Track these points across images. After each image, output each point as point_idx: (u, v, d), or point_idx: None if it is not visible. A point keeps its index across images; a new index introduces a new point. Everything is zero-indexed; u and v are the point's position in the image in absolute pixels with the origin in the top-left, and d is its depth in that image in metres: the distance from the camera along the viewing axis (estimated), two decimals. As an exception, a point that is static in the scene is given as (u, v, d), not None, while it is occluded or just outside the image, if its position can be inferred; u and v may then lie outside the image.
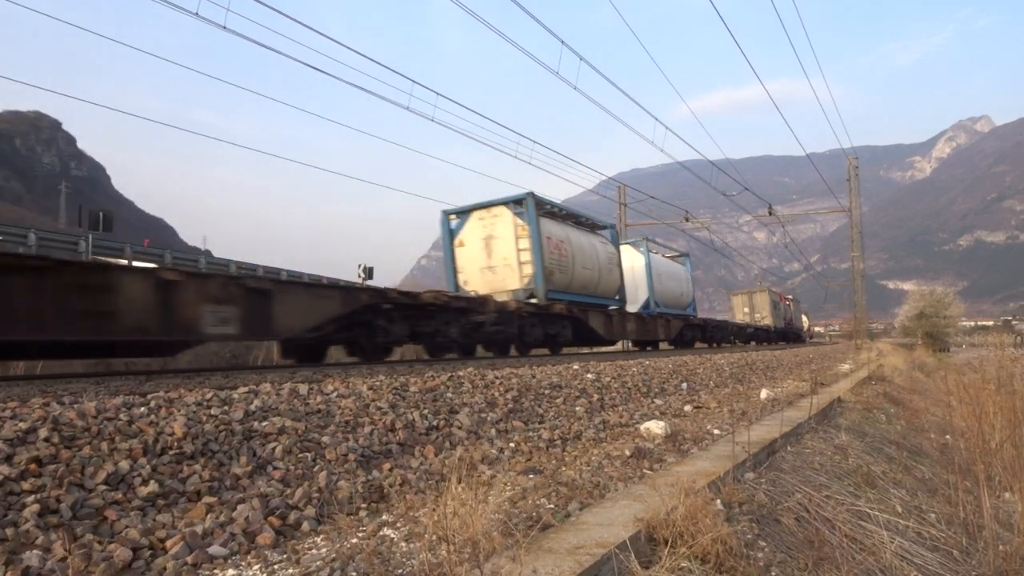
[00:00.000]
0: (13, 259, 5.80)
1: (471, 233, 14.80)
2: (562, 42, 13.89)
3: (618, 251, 18.91)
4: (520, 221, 14.11)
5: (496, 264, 14.52)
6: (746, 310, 42.40)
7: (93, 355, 7.73)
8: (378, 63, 13.06)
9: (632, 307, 19.97)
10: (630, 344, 22.81)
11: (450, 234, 15.11)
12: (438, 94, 13.97)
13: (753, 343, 34.70)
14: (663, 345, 22.37)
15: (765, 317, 41.83)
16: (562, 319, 14.57)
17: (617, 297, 18.16)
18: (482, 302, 12.09)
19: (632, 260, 21.45)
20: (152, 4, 9.36)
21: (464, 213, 14.97)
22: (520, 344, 13.55)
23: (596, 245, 17.36)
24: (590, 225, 17.86)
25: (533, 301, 13.83)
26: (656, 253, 23.56)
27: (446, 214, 15.16)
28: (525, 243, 14.05)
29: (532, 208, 13.91)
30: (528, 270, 14.05)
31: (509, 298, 13.40)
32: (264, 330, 7.79)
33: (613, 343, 20.27)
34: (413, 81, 13.25)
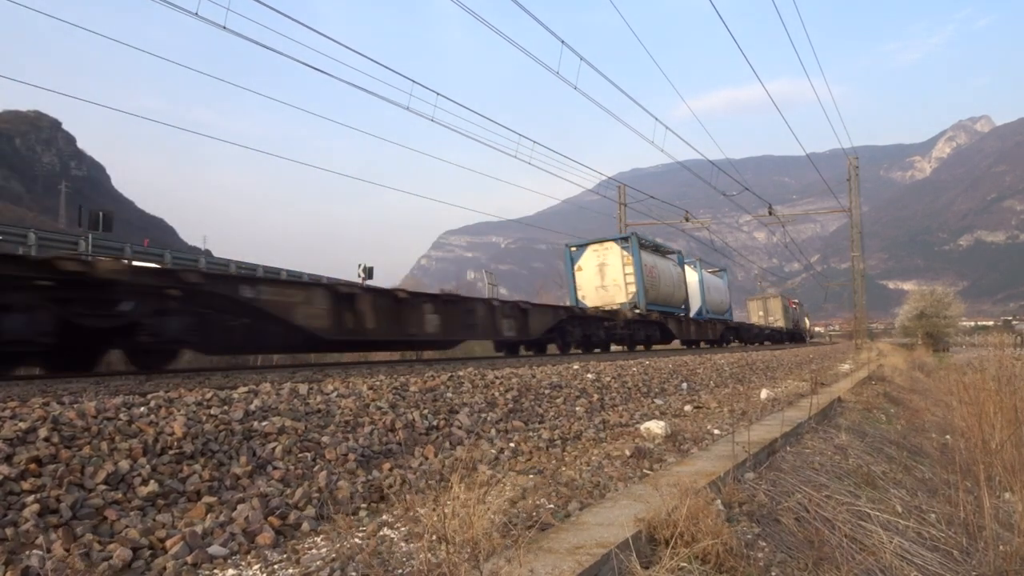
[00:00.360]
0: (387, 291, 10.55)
1: (587, 261, 20.74)
2: (562, 42, 13.89)
3: (683, 270, 24.67)
4: (625, 252, 20.08)
5: (608, 284, 20.29)
6: (760, 313, 47.66)
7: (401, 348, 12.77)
8: (378, 63, 13.06)
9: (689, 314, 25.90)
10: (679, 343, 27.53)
11: (571, 261, 20.99)
12: (438, 94, 13.98)
13: (768, 343, 39.57)
14: (677, 343, 26.28)
15: (778, 320, 47.16)
16: (654, 324, 20.68)
17: (683, 307, 24.01)
18: (615, 313, 18.78)
19: (689, 276, 26.29)
20: (152, 4, 9.36)
21: (581, 247, 20.99)
22: (630, 342, 19.38)
23: (671, 267, 23.11)
24: (665, 251, 23.69)
25: (637, 311, 19.53)
26: (702, 269, 28.91)
27: (568, 247, 21.29)
28: (630, 269, 19.88)
29: (635, 244, 20.01)
30: (632, 288, 19.83)
31: (620, 309, 19.37)
32: (525, 333, 13.88)
33: (683, 341, 25.69)
34: (413, 81, 13.26)
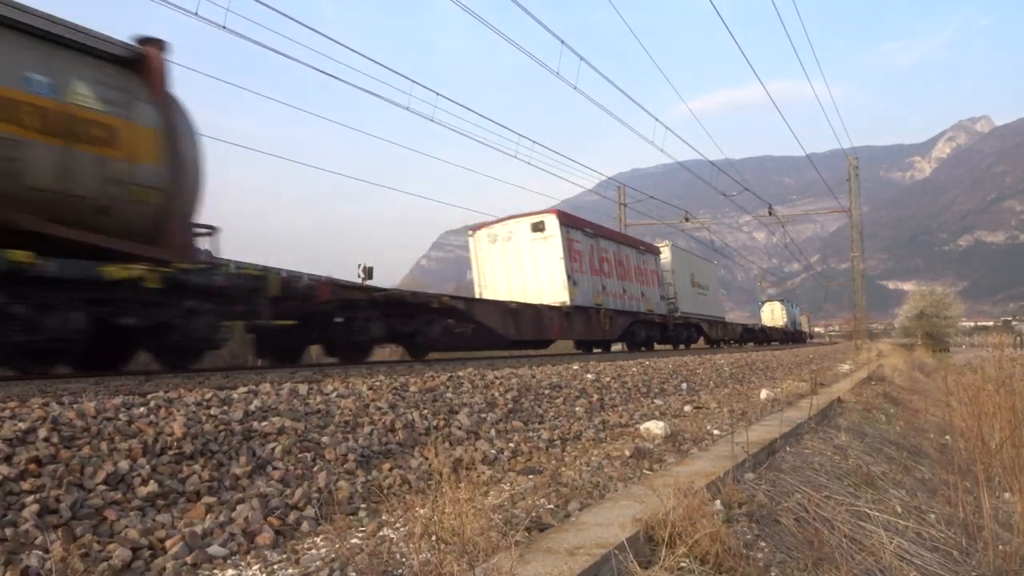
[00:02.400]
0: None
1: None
2: (562, 42, 13.89)
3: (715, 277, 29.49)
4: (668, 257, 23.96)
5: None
6: (773, 316, 52.55)
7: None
8: (378, 63, 13.06)
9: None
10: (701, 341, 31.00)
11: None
12: (438, 94, 13.99)
13: (776, 343, 43.13)
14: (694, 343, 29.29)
15: (781, 320, 51.64)
16: (693, 326, 25.34)
17: (716, 312, 28.08)
18: (666, 316, 22.35)
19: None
20: (152, 4, 9.35)
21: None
22: (684, 341, 24.57)
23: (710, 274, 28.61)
24: (706, 260, 28.67)
25: (680, 314, 23.52)
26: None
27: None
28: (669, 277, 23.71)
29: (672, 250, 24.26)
30: (671, 292, 23.58)
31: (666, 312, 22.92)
32: (611, 334, 18.70)
33: (716, 341, 29.33)
34: (413, 81, 13.26)
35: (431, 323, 11.52)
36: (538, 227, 16.60)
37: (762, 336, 39.74)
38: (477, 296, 16.83)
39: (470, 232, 18.06)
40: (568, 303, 16.02)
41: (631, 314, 19.84)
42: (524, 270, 16.79)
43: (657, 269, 22.69)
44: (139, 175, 6.81)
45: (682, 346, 23.90)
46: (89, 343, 6.47)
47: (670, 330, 22.41)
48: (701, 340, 27.40)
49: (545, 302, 15.84)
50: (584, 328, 17.02)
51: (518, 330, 13.98)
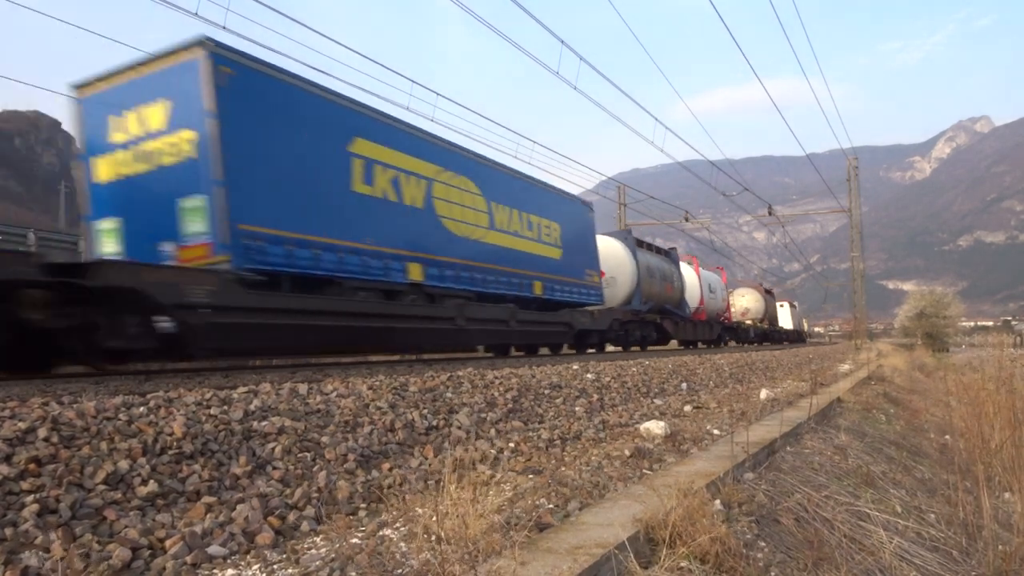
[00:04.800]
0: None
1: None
2: (562, 42, 13.88)
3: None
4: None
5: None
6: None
7: None
8: (378, 63, 13.05)
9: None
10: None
11: None
12: (438, 94, 13.96)
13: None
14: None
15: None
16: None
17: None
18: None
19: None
20: (152, 4, 9.35)
21: None
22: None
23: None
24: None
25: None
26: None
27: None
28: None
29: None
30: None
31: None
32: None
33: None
34: (413, 81, 13.23)
35: None
36: None
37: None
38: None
39: None
40: None
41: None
42: None
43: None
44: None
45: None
46: None
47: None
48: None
49: None
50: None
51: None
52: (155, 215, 7.68)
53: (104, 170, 8.24)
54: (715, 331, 27.03)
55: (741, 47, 17.34)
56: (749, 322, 34.39)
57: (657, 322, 19.96)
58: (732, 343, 30.68)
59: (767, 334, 37.34)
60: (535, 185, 13.82)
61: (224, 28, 9.54)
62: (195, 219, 7.42)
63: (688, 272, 25.00)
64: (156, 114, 7.77)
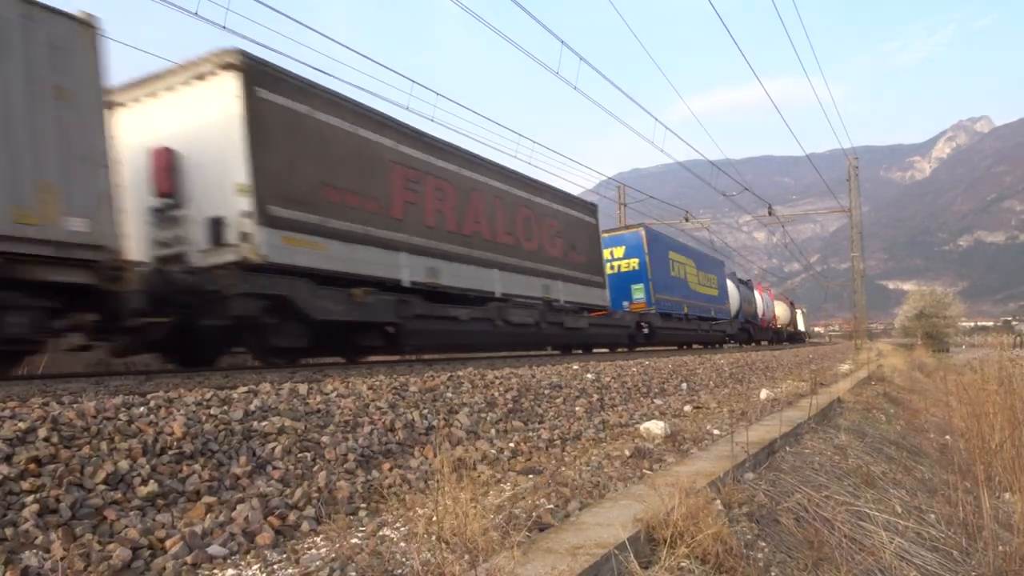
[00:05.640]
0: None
1: None
2: (562, 42, 13.88)
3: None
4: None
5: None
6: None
7: None
8: (378, 63, 13.05)
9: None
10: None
11: None
12: (438, 94, 13.95)
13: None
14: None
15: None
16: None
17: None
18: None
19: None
20: (152, 4, 9.34)
21: None
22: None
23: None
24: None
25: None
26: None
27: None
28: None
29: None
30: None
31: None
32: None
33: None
34: (413, 81, 13.22)
35: None
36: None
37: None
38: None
39: None
40: None
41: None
42: None
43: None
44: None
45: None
46: None
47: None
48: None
49: None
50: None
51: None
52: None
53: None
54: (768, 333, 38.02)
55: (741, 47, 17.35)
56: (780, 326, 43.63)
57: (748, 328, 31.64)
58: (764, 343, 38.32)
59: (791, 335, 46.83)
60: (718, 265, 28.15)
61: (224, 28, 9.55)
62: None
63: (756, 294, 35.81)
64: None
